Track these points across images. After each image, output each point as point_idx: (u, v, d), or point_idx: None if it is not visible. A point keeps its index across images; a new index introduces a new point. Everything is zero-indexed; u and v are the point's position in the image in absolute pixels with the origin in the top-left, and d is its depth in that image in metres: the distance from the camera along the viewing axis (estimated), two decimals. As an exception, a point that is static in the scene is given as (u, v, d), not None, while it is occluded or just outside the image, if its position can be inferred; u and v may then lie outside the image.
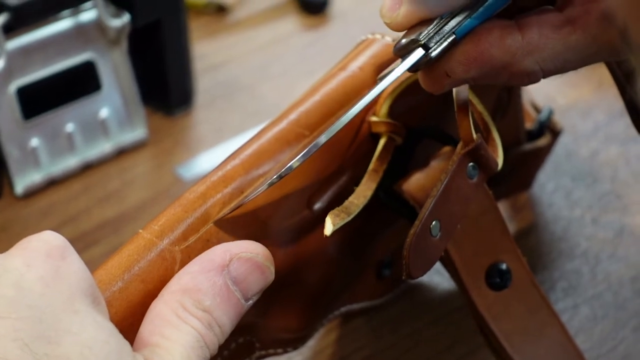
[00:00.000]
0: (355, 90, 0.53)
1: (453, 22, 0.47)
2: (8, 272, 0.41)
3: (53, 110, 0.74)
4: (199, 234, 0.48)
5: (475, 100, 0.53)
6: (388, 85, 0.48)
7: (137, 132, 0.78)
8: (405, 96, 0.54)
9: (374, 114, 0.54)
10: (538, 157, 0.70)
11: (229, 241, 0.48)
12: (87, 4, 0.73)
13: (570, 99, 0.81)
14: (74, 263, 0.42)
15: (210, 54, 0.88)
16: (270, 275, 0.47)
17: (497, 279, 0.53)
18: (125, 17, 0.74)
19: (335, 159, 0.53)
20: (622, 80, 0.55)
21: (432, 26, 0.47)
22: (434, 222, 0.50)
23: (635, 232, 0.70)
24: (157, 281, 0.46)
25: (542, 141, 0.69)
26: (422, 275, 0.50)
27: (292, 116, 0.52)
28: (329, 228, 0.48)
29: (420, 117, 0.55)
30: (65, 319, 0.40)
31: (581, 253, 0.69)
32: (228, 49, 0.88)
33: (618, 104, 0.58)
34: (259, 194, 0.48)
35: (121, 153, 0.78)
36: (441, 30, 0.47)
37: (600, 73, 0.81)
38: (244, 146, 0.51)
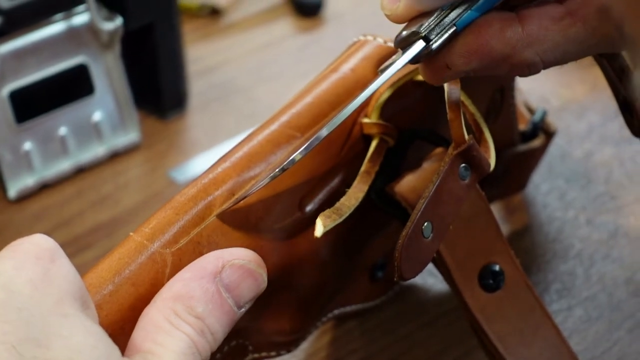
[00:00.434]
0: (347, 91, 0.53)
1: (453, 14, 0.47)
2: (-3, 274, 0.40)
3: (46, 114, 0.74)
4: (190, 236, 0.48)
5: (467, 101, 0.53)
6: (389, 78, 0.48)
7: (130, 136, 0.78)
8: (397, 98, 0.54)
9: (366, 116, 0.54)
10: (532, 159, 0.70)
11: (220, 243, 0.48)
12: (80, 8, 0.73)
13: (565, 100, 0.81)
14: (64, 266, 0.42)
15: (204, 57, 0.88)
16: (263, 283, 0.47)
17: (490, 281, 0.53)
18: (118, 21, 0.74)
19: (327, 160, 0.53)
20: (615, 79, 0.55)
21: (432, 18, 0.47)
22: (425, 224, 0.49)
23: (630, 233, 0.70)
24: (147, 284, 0.46)
25: (536, 142, 0.69)
26: (414, 277, 0.50)
27: (284, 118, 0.52)
28: (319, 229, 0.48)
29: (412, 119, 0.55)
30: (55, 322, 0.40)
31: (575, 254, 0.68)
32: (222, 52, 0.88)
33: (612, 105, 0.58)
34: (254, 193, 0.48)
35: (114, 156, 0.78)
36: (442, 22, 0.47)
37: (594, 74, 0.81)
38: (235, 148, 0.51)
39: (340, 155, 0.53)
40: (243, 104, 0.83)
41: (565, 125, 0.78)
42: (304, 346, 0.62)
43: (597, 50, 0.49)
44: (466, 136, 0.50)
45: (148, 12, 0.76)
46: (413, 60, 0.48)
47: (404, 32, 0.48)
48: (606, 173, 0.74)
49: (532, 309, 0.54)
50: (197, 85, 0.84)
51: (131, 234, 0.47)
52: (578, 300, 0.65)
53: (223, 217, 0.49)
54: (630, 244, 0.69)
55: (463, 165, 0.51)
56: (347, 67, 0.54)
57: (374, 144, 0.53)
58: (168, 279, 0.46)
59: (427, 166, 0.53)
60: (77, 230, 0.72)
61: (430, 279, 0.66)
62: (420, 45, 0.47)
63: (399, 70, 0.48)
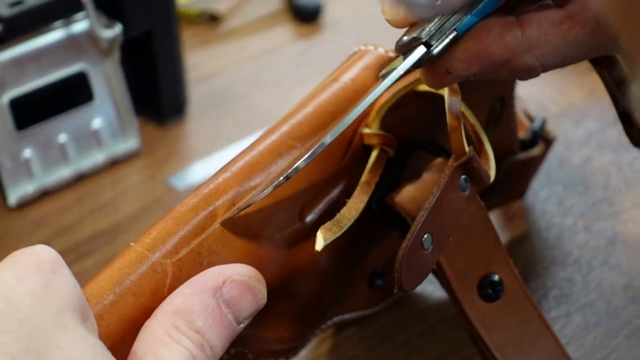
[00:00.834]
0: (348, 101, 0.53)
1: (454, 19, 0.47)
2: (-2, 284, 0.41)
3: (46, 121, 0.74)
4: (191, 246, 0.48)
5: (467, 112, 0.53)
6: (391, 83, 0.48)
7: (129, 143, 0.78)
8: (398, 108, 0.54)
9: (366, 126, 0.54)
10: (532, 167, 0.70)
11: (220, 253, 0.48)
12: (79, 15, 0.73)
13: (563, 106, 0.81)
14: (64, 277, 0.42)
15: (203, 64, 0.88)
16: (262, 299, 0.47)
17: (490, 291, 0.53)
18: (118, 28, 0.74)
19: (327, 170, 0.53)
20: (615, 89, 0.55)
21: (433, 23, 0.47)
22: (425, 236, 0.50)
23: (628, 240, 0.70)
24: (148, 294, 0.46)
25: (536, 150, 0.69)
26: (414, 288, 0.50)
27: (284, 128, 0.52)
28: (320, 243, 0.48)
29: (413, 129, 0.55)
30: (55, 334, 0.40)
31: (574, 261, 0.69)
32: (221, 58, 0.88)
33: (610, 111, 0.58)
34: (256, 202, 0.49)
35: (114, 163, 0.78)
36: (442, 27, 0.47)
37: (592, 80, 0.81)
38: (235, 158, 0.51)
39: (340, 165, 0.53)
40: (242, 110, 0.83)
41: (563, 131, 0.78)
42: (303, 353, 0.62)
43: (596, 53, 0.50)
44: (466, 148, 0.51)
45: (147, 20, 0.76)
46: (414, 66, 0.48)
47: (405, 38, 0.48)
48: (604, 179, 0.75)
49: (531, 319, 0.54)
50: (196, 92, 0.84)
51: (132, 244, 0.47)
52: (576, 306, 0.66)
53: (224, 226, 0.49)
54: (628, 250, 0.69)
55: (463, 176, 0.51)
56: (347, 77, 0.54)
57: (374, 154, 0.53)
58: (168, 289, 0.46)
59: (427, 177, 0.53)
60: (76, 238, 0.72)
61: (429, 287, 0.67)
62: (421, 50, 0.47)
63: (400, 75, 0.48)
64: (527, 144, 0.68)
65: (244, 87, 0.85)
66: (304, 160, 0.48)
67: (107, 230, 0.73)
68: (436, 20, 0.47)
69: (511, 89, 0.63)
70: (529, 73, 0.48)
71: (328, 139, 0.48)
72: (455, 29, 0.47)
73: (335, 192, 0.53)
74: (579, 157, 0.77)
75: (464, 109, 0.52)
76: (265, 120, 0.54)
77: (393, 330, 0.65)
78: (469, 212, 0.52)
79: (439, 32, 0.47)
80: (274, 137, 0.52)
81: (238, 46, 0.90)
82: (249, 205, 0.49)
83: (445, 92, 0.51)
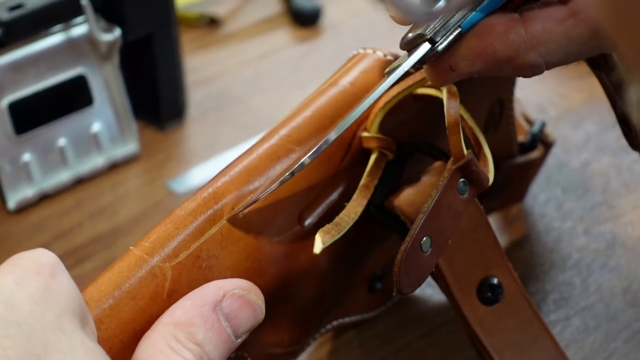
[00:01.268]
0: (347, 105, 0.53)
1: (458, 16, 0.47)
2: (-3, 288, 0.41)
3: (45, 125, 0.74)
4: (190, 250, 0.48)
5: (466, 115, 0.53)
6: (396, 80, 0.48)
7: (129, 147, 0.78)
8: (396, 112, 0.54)
9: (365, 130, 0.54)
10: (531, 170, 0.70)
11: (219, 256, 0.48)
12: (78, 19, 0.73)
13: (562, 109, 0.81)
14: (64, 281, 0.42)
15: (202, 67, 0.88)
16: (261, 314, 0.48)
17: (489, 294, 0.53)
18: (117, 32, 0.74)
19: (326, 174, 0.53)
20: (613, 93, 0.55)
21: (438, 20, 0.47)
22: (424, 238, 0.50)
23: (627, 243, 0.70)
24: (147, 298, 0.46)
25: (535, 154, 0.69)
26: (413, 291, 0.50)
27: (283, 132, 0.52)
28: (318, 246, 0.48)
29: (411, 132, 0.55)
30: (54, 338, 0.40)
31: (573, 264, 0.69)
32: (220, 62, 0.89)
33: (609, 114, 0.58)
34: (256, 203, 0.49)
35: (113, 167, 0.78)
36: (447, 24, 0.47)
37: (591, 84, 0.81)
38: (234, 162, 0.51)
39: (339, 168, 0.53)
40: (241, 114, 0.83)
41: (562, 134, 0.78)
42: (303, 357, 0.62)
43: (600, 51, 0.50)
44: (465, 151, 0.51)
45: (146, 23, 0.76)
46: (419, 62, 0.48)
47: (410, 35, 0.48)
48: (603, 182, 0.75)
49: (530, 322, 0.54)
50: (195, 96, 0.84)
51: (131, 247, 0.48)
52: (575, 310, 0.66)
53: (222, 230, 0.49)
54: (628, 253, 0.69)
55: (462, 180, 0.51)
56: (346, 81, 0.54)
57: (373, 157, 0.53)
58: (168, 293, 0.47)
59: (426, 180, 0.53)
60: (76, 241, 0.72)
61: (428, 290, 0.67)
62: (426, 47, 0.48)
63: (405, 72, 0.48)
64: (526, 148, 0.68)
65: (243, 91, 0.85)
66: (308, 157, 0.48)
67: (106, 234, 0.73)
68: (441, 16, 0.47)
69: (510, 92, 0.63)
70: (533, 70, 0.48)
71: (333, 135, 0.49)
72: (459, 25, 0.47)
73: (334, 196, 0.53)
74: (578, 161, 0.77)
75: (462, 112, 0.52)
76: (265, 124, 0.54)
77: (393, 334, 0.65)
78: (467, 215, 0.52)
79: (444, 29, 0.47)
80: (272, 140, 0.52)
81: (237, 50, 0.90)
82: (255, 202, 0.49)
83: (444, 95, 0.51)
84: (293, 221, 0.52)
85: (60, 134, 0.75)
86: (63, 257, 0.43)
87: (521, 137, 0.68)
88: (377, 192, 0.53)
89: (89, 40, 0.74)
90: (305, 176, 0.51)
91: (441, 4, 0.46)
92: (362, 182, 0.53)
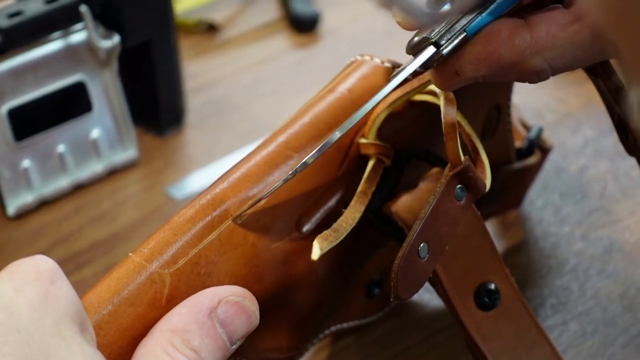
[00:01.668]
0: (345, 112, 0.54)
1: (464, 20, 0.47)
2: (-3, 295, 0.41)
3: (44, 132, 0.74)
4: (188, 256, 0.48)
5: (463, 122, 0.53)
6: (400, 82, 0.49)
7: (128, 153, 0.78)
8: (394, 118, 0.54)
9: (363, 136, 0.54)
10: (528, 176, 0.70)
11: (218, 263, 0.49)
12: (77, 26, 0.74)
13: (559, 115, 0.82)
14: (63, 287, 0.42)
15: (201, 73, 0.88)
16: (255, 321, 0.48)
17: (486, 299, 0.53)
18: (116, 38, 0.74)
19: (324, 180, 0.53)
20: (611, 99, 0.56)
21: (443, 24, 0.47)
22: (422, 244, 0.50)
23: (624, 248, 0.70)
24: (146, 304, 0.46)
25: (532, 159, 0.69)
26: (410, 297, 0.50)
27: (281, 138, 0.53)
28: (316, 252, 0.49)
29: (409, 139, 0.55)
30: (53, 344, 0.40)
31: (570, 269, 0.69)
32: (218, 68, 0.89)
33: (607, 119, 0.58)
34: (253, 208, 0.49)
35: (112, 173, 0.78)
36: (452, 28, 0.47)
37: (588, 89, 0.81)
38: (232, 169, 0.51)
39: (337, 175, 0.53)
40: (239, 120, 0.83)
41: (559, 140, 0.78)
42: (302, 363, 0.62)
43: (605, 56, 0.50)
44: (462, 157, 0.51)
45: (145, 30, 0.76)
46: (424, 66, 0.48)
47: (416, 38, 0.48)
48: (601, 188, 0.75)
49: (528, 327, 0.54)
50: (194, 102, 0.84)
51: (130, 254, 0.48)
52: (573, 315, 0.66)
53: (221, 237, 0.49)
54: (625, 258, 0.69)
55: (459, 186, 0.51)
56: (344, 88, 0.55)
57: (370, 164, 0.54)
58: (166, 299, 0.47)
59: (423, 186, 0.53)
60: (75, 247, 0.72)
61: (426, 295, 0.67)
62: (430, 50, 0.48)
63: (410, 74, 0.48)
64: (524, 153, 0.68)
65: (241, 97, 0.86)
66: (311, 156, 0.49)
67: (105, 240, 0.73)
68: (446, 20, 0.47)
69: (507, 97, 0.63)
70: (538, 76, 0.48)
71: (337, 134, 0.49)
72: (465, 30, 0.47)
73: (332, 202, 0.53)
74: (576, 166, 0.77)
75: (459, 118, 0.53)
76: (263, 130, 0.54)
77: (390, 339, 0.65)
78: (465, 221, 0.52)
79: (449, 33, 0.47)
80: (271, 147, 0.52)
81: (236, 56, 0.90)
82: (258, 201, 0.49)
83: (441, 101, 0.51)
84: (291, 227, 0.52)
85: (60, 141, 0.75)
86: (62, 263, 0.43)
87: (518, 143, 0.68)
88: (374, 199, 0.53)
89: (88, 46, 0.74)
90: (303, 182, 0.52)
91: (446, 7, 0.46)
92: (359, 188, 0.53)
